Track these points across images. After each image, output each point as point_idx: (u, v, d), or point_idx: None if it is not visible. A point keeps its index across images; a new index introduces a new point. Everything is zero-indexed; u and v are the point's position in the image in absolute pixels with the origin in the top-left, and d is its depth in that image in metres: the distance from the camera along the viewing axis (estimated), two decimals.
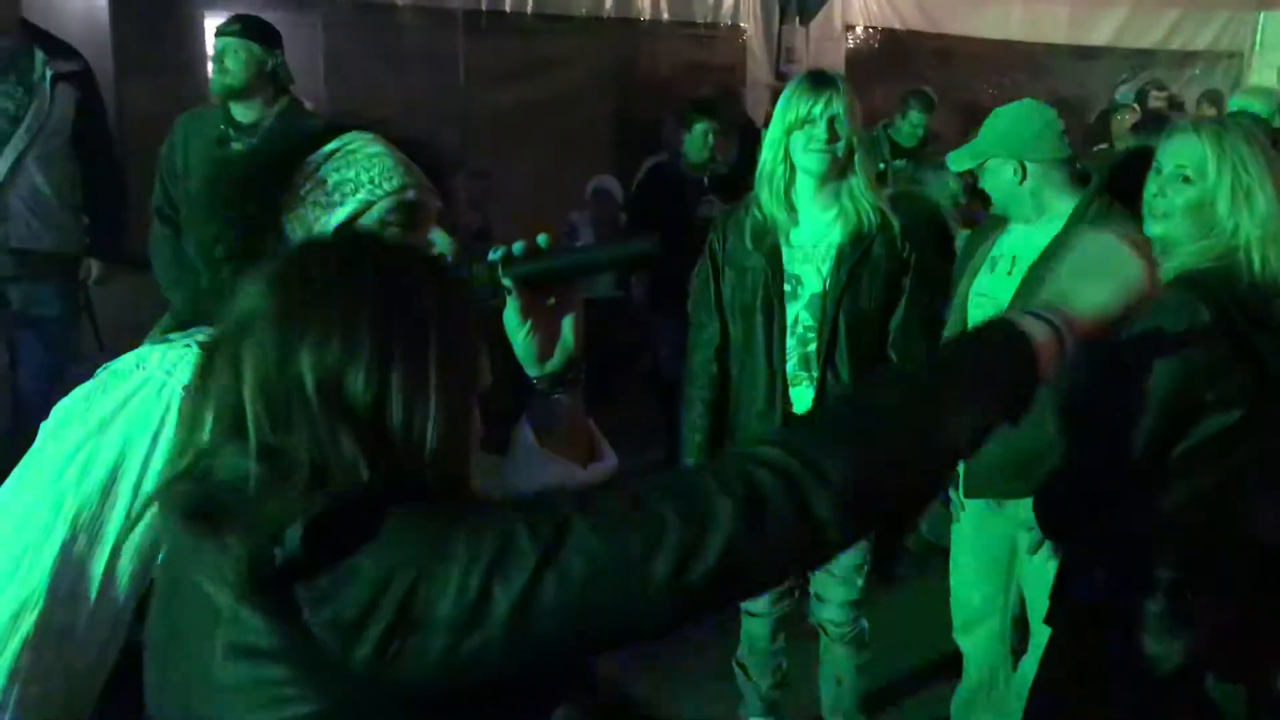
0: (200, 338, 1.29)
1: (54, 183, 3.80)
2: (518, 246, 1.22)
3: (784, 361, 2.66)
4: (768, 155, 2.66)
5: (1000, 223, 2.87)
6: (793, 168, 2.64)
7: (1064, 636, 2.24)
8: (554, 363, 1.28)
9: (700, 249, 2.84)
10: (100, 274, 4.01)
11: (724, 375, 2.75)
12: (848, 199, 2.64)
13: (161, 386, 1.24)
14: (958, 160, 2.90)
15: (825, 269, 2.64)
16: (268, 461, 0.94)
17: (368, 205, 1.31)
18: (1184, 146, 2.10)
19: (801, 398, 2.67)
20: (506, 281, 1.22)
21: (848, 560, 2.77)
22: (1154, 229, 2.13)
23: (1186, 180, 2.08)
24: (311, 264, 1.01)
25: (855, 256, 2.62)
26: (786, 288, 2.66)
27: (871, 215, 2.63)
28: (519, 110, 7.04)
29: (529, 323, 1.25)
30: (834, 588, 2.83)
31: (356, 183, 1.32)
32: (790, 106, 2.60)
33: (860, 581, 2.82)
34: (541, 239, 1.24)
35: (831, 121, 2.57)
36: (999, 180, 2.76)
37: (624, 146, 7.52)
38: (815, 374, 2.64)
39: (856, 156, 2.63)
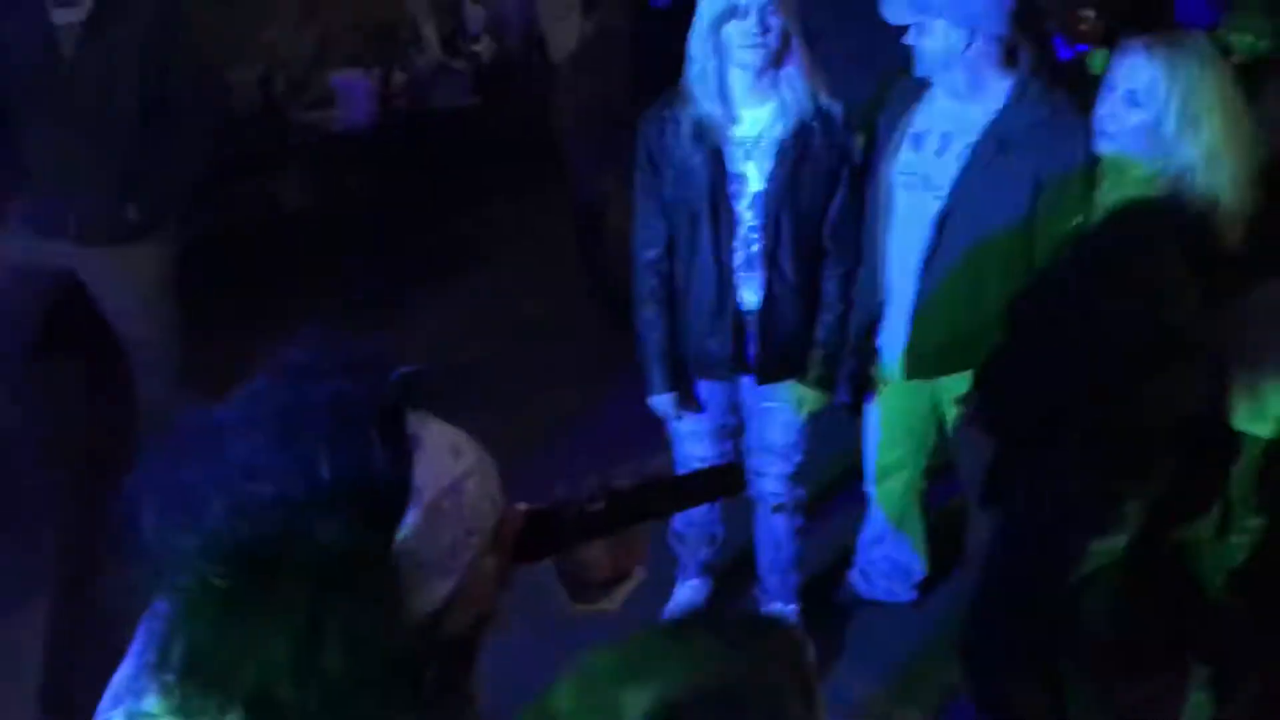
0: None
1: None
2: None
3: (731, 260, 2.70)
4: (696, 51, 2.59)
5: (915, 93, 2.76)
6: (724, 60, 2.58)
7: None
8: None
9: None
10: None
11: (672, 273, 2.78)
12: (786, 90, 2.63)
13: None
14: (895, 11, 2.60)
15: (767, 167, 2.65)
16: None
17: None
18: (1135, 68, 2.20)
19: (749, 296, 2.74)
20: None
21: (785, 439, 2.94)
22: (1105, 146, 2.27)
23: (1136, 103, 2.19)
24: None
25: (796, 153, 2.64)
26: (731, 187, 2.67)
27: (810, 105, 2.63)
28: None
29: None
30: (773, 463, 2.98)
31: None
32: None
33: (798, 457, 2.97)
34: None
35: (763, 11, 2.50)
36: (939, 45, 2.56)
37: None
38: (761, 272, 2.71)
39: (794, 41, 2.59)
